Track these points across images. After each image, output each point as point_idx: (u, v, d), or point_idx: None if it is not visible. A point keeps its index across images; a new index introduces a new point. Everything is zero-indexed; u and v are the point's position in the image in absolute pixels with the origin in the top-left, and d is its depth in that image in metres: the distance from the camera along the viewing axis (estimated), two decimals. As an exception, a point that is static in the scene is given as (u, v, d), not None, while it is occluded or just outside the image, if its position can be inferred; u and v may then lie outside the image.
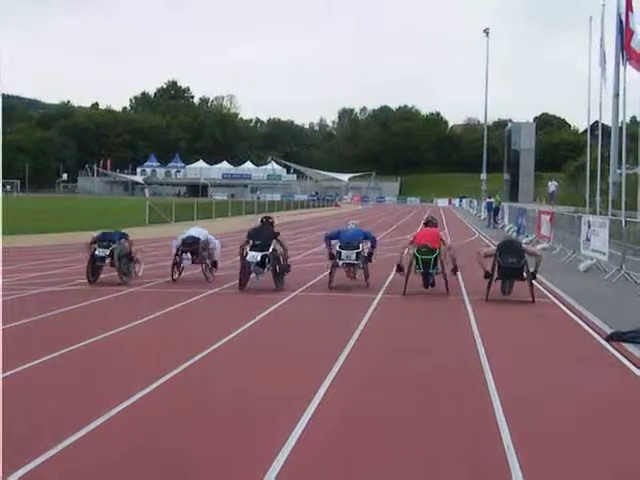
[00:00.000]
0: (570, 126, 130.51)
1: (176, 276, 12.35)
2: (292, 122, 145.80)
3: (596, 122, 28.20)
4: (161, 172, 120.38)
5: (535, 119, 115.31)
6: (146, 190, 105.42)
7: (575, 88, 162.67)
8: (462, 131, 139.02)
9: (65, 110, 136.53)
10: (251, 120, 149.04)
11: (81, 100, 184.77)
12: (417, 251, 11.29)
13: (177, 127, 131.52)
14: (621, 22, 20.04)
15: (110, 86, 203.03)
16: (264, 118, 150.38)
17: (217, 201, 49.41)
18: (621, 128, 21.77)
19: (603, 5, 23.01)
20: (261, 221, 12.27)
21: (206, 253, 12.51)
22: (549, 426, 5.01)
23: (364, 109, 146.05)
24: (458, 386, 6.08)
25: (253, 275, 11.51)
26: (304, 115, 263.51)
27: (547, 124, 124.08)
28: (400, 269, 11.62)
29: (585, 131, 37.25)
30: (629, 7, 19.46)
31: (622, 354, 7.28)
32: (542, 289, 11.94)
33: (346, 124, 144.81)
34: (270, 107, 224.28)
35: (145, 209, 32.33)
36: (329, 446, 4.55)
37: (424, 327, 9.13)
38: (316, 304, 10.72)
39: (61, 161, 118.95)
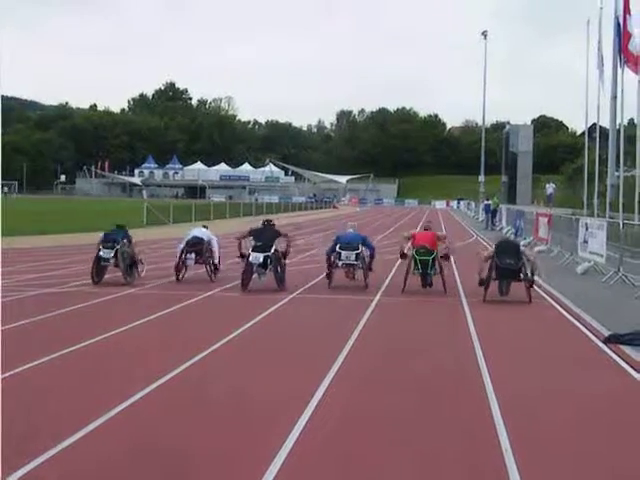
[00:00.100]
0: (568, 128, 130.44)
1: (181, 276, 12.58)
2: (290, 124, 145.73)
3: (594, 124, 28.29)
4: (159, 174, 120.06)
5: (533, 121, 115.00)
6: (144, 192, 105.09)
7: (573, 90, 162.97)
8: (460, 133, 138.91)
9: (63, 111, 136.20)
10: (249, 122, 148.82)
11: (79, 101, 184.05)
12: (415, 252, 11.54)
13: (175, 129, 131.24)
14: (619, 25, 20.12)
15: (108, 87, 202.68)
16: (262, 120, 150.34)
17: (215, 203, 49.30)
18: (619, 130, 21.85)
19: (601, 8, 23.06)
20: (262, 224, 12.41)
21: (209, 253, 12.71)
22: (546, 428, 5.02)
23: (362, 111, 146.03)
24: (456, 387, 6.10)
25: (255, 275, 11.60)
26: (302, 117, 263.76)
27: (545, 126, 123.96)
28: (403, 256, 12.07)
29: (583, 133, 37.36)
30: (627, 10, 19.50)
31: (620, 356, 7.30)
32: (540, 291, 11.96)
33: (344, 126, 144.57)
34: (268, 109, 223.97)
35: (143, 211, 32.33)
36: (328, 447, 4.56)
37: (422, 328, 9.16)
38: (315, 305, 10.76)
39: (59, 162, 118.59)
